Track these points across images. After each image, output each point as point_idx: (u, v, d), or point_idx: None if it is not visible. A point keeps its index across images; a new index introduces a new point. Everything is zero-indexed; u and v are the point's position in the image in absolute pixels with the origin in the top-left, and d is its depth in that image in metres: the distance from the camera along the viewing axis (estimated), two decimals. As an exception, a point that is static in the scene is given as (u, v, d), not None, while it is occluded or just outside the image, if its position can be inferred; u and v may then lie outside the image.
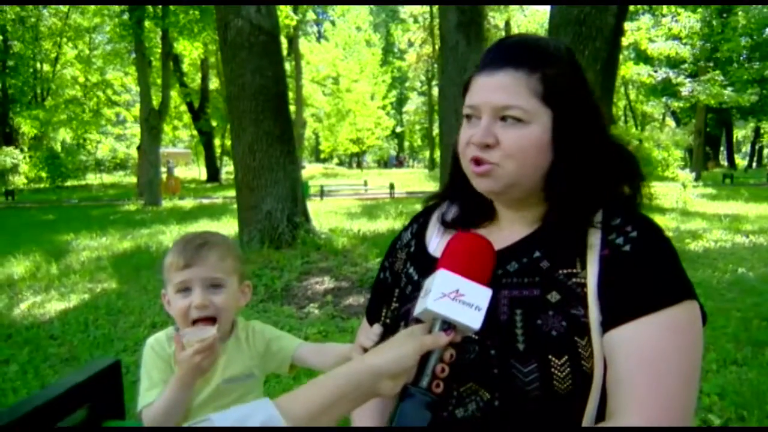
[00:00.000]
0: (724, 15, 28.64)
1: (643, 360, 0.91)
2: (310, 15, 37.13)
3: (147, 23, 18.80)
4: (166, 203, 18.71)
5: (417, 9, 41.71)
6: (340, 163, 56.67)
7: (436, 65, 34.57)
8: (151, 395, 1.32)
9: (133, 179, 28.25)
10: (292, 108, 9.25)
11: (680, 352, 0.92)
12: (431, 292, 0.89)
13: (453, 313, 0.88)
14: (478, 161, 1.03)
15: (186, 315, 1.33)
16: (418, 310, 0.92)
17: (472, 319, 0.88)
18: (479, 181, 1.05)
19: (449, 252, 0.96)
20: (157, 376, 1.34)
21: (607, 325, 0.94)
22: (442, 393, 0.86)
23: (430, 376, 0.87)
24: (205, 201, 20.70)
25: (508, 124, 1.00)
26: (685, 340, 0.93)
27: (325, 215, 13.00)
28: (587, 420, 0.95)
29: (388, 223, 11.80)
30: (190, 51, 22.04)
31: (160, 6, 18.36)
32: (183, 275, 1.33)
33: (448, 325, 0.89)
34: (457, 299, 0.88)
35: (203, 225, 12.41)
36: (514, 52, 1.02)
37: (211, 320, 1.34)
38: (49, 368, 4.22)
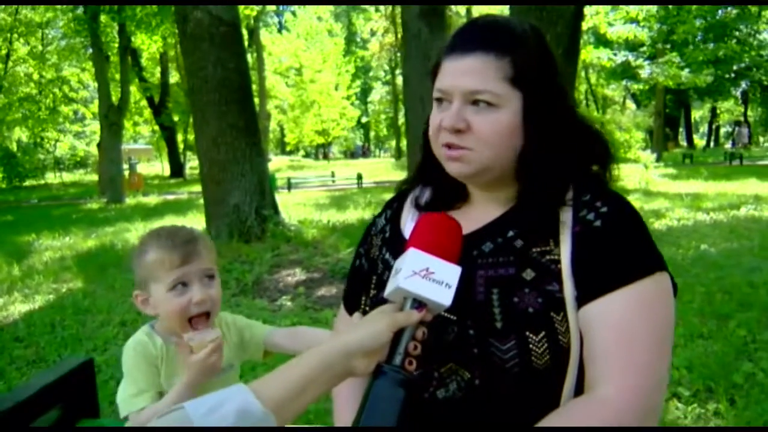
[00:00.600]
0: (680, -1, 29.22)
1: (617, 332, 0.93)
2: (271, 6, 36.65)
3: (103, 17, 18.29)
4: (129, 200, 18.35)
5: (378, -3, 41.48)
6: (306, 155, 56.30)
7: (399, 54, 34.51)
8: (139, 401, 1.28)
9: (95, 177, 27.63)
10: (255, 100, 9.08)
11: (653, 322, 0.94)
12: (402, 270, 0.90)
13: (424, 290, 0.88)
14: (450, 146, 1.03)
15: (185, 312, 1.29)
16: (389, 289, 0.92)
17: (443, 296, 0.88)
18: (451, 165, 1.05)
19: (418, 232, 0.97)
20: (145, 381, 1.30)
21: (581, 300, 0.96)
22: (415, 370, 0.86)
23: (403, 354, 0.87)
24: (170, 197, 20.36)
25: (480, 109, 1.00)
26: (658, 310, 0.95)
27: (294, 207, 12.91)
28: (566, 394, 0.97)
29: (358, 213, 11.79)
30: (149, 45, 21.50)
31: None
32: (180, 272, 1.29)
33: (419, 304, 0.89)
34: (427, 277, 0.89)
35: (169, 221, 12.21)
36: (484, 36, 1.02)
37: (206, 315, 1.32)
38: (15, 370, 4.12)
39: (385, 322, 0.88)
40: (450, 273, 0.90)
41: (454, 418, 1.00)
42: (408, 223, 1.19)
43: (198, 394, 1.32)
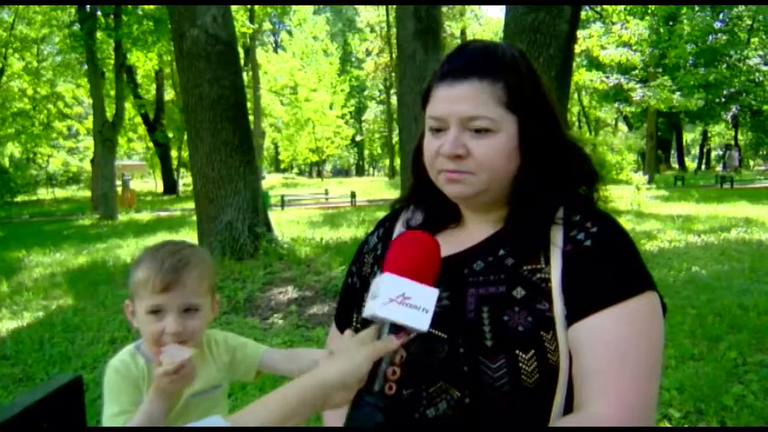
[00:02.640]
0: (671, 23, 29.63)
1: (607, 350, 0.93)
2: (267, 25, 36.94)
3: (99, 34, 18.38)
4: (122, 217, 18.30)
5: (374, 18, 41.96)
6: (300, 173, 56.41)
7: (393, 74, 34.78)
8: (120, 420, 1.26)
9: (87, 193, 27.62)
10: (250, 118, 9.18)
11: (642, 340, 0.94)
12: (378, 297, 0.89)
13: (401, 317, 0.88)
14: (450, 172, 1.04)
15: (157, 339, 1.27)
16: (366, 312, 0.92)
17: (420, 321, 0.88)
18: (451, 187, 1.06)
19: (394, 254, 0.96)
20: (127, 401, 1.27)
21: (571, 319, 0.97)
22: (395, 393, 0.87)
23: (382, 380, 0.87)
24: (163, 213, 20.31)
25: (477, 134, 1.01)
26: (647, 329, 0.96)
27: (287, 225, 12.90)
28: (556, 412, 0.97)
29: (351, 231, 11.78)
30: (144, 62, 21.62)
31: (113, 17, 17.99)
32: (158, 299, 1.25)
33: (397, 328, 0.89)
34: (404, 303, 0.88)
35: (161, 238, 12.13)
36: (476, 62, 1.03)
37: (182, 343, 1.29)
38: (1, 389, 4.06)
39: (364, 354, 0.88)
40: (427, 297, 0.90)
41: (444, 438, 0.99)
42: (399, 242, 1.19)
43: (184, 416, 1.31)
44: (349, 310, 1.22)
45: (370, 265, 1.23)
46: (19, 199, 29.39)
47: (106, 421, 1.28)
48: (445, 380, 0.99)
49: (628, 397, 0.90)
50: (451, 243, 1.12)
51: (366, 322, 1.14)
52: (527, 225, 1.05)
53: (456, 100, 1.01)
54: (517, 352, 0.96)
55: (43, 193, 34.12)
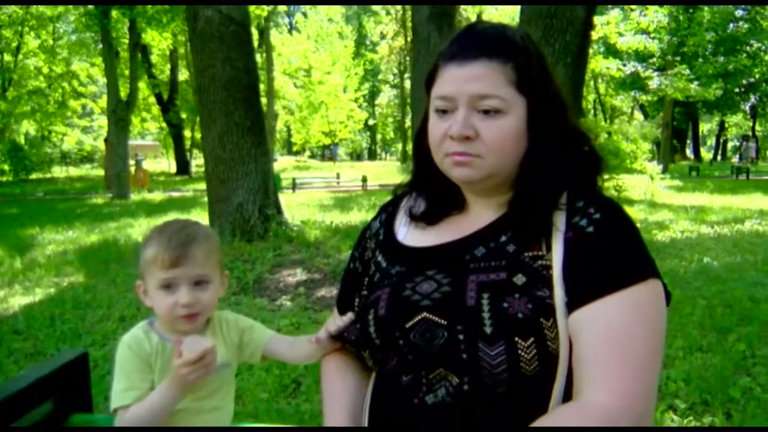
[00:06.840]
0: (690, 10, 29.18)
1: (607, 337, 0.92)
2: (282, 6, 36.79)
3: (114, 13, 18.40)
4: (134, 196, 18.41)
5: (389, 1, 41.65)
6: (312, 156, 56.42)
7: (408, 58, 34.54)
8: (128, 396, 1.28)
9: (101, 172, 27.79)
10: (263, 100, 9.20)
11: (643, 327, 0.93)
12: None
13: None
14: (458, 154, 1.02)
15: (171, 312, 1.29)
16: None
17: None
18: (458, 170, 1.04)
19: None
20: (137, 377, 1.28)
21: (572, 306, 0.96)
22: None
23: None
24: (175, 194, 20.43)
25: (487, 116, 1.00)
26: (648, 316, 0.94)
27: (298, 207, 12.93)
28: (555, 400, 0.96)
29: (361, 215, 11.79)
30: (159, 41, 21.67)
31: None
32: (169, 274, 1.28)
33: None
34: None
35: (173, 217, 12.08)
36: (486, 42, 1.02)
37: (195, 315, 1.31)
38: (13, 363, 4.13)
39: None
40: None
41: (442, 424, 0.99)
42: (401, 227, 1.20)
43: (193, 393, 1.32)
44: (350, 294, 1.23)
45: (371, 250, 1.22)
46: (33, 176, 29.75)
47: (114, 396, 1.29)
48: (445, 367, 0.99)
49: (627, 385, 0.90)
50: (454, 229, 1.11)
51: (366, 306, 1.14)
52: (530, 210, 1.04)
53: (466, 79, 1.00)
54: (516, 339, 0.95)
55: (57, 171, 34.40)
